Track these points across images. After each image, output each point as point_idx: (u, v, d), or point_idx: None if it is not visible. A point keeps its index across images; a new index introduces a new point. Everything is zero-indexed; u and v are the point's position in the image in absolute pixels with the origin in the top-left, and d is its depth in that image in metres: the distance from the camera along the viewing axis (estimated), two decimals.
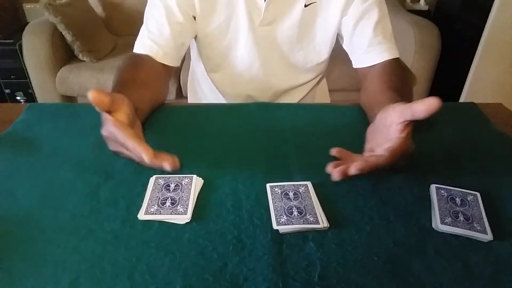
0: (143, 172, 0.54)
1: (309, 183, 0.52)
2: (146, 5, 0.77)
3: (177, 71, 0.72)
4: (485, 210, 0.48)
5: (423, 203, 0.50)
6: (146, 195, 0.49)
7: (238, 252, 0.43)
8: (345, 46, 0.84)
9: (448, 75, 2.17)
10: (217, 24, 0.79)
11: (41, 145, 0.60)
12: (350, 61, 0.84)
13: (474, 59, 1.87)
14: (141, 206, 0.48)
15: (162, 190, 0.50)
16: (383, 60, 0.77)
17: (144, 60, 0.73)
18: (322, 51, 0.86)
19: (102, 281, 0.39)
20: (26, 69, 2.04)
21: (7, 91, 2.21)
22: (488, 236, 0.45)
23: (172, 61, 0.77)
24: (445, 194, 0.50)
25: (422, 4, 2.53)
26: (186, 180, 0.51)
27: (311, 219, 0.46)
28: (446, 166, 0.57)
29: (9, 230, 0.45)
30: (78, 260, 0.41)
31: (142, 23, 0.77)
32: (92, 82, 1.98)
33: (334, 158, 0.57)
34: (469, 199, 0.50)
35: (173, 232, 0.45)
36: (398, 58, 0.78)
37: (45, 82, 2.02)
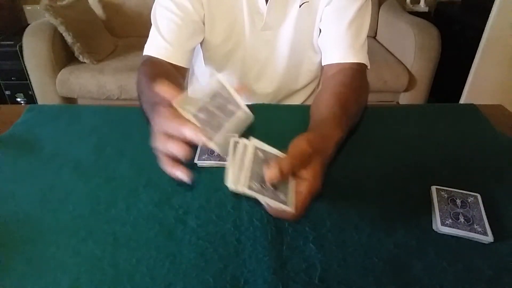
0: (143, 173, 0.54)
1: None
2: (146, 6, 0.77)
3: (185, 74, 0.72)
4: (486, 212, 0.48)
5: (423, 204, 0.50)
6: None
7: (238, 253, 0.43)
8: (319, 41, 0.82)
9: (448, 76, 2.17)
10: (221, 29, 0.79)
11: (41, 147, 0.60)
12: None
13: (474, 60, 1.87)
14: (141, 206, 0.48)
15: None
16: (345, 62, 0.75)
17: (162, 64, 0.72)
18: (319, 50, 0.86)
19: (102, 283, 0.39)
20: (26, 71, 2.04)
21: (7, 92, 2.21)
22: (489, 238, 0.45)
23: (187, 63, 0.76)
24: (446, 195, 0.50)
25: (422, 6, 2.53)
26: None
27: (282, 197, 0.42)
28: (447, 167, 0.57)
29: (9, 231, 0.45)
30: (78, 262, 0.41)
31: (142, 25, 0.76)
32: (92, 84, 1.98)
33: (333, 160, 0.57)
34: (469, 200, 0.50)
35: (174, 234, 0.45)
36: (363, 64, 0.76)
37: (46, 84, 2.02)
